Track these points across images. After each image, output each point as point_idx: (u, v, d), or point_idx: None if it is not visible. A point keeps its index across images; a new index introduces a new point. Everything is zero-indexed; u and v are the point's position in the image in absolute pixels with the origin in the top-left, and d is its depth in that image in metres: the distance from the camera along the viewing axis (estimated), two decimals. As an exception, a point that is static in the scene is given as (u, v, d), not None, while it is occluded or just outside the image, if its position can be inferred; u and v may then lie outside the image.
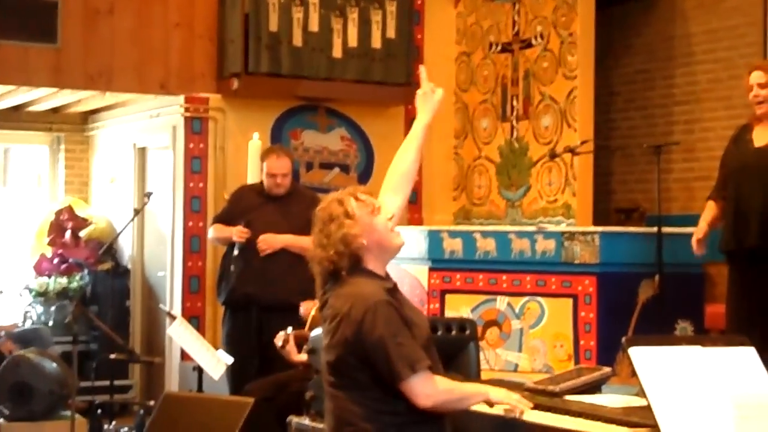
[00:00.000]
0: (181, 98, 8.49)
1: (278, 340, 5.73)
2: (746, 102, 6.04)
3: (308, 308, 6.00)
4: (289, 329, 5.71)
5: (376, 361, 3.71)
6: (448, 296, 7.18)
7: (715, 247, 6.08)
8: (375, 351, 3.70)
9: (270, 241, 6.66)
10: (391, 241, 3.94)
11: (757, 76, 5.82)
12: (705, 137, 8.44)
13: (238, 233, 6.69)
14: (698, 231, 6.05)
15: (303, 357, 5.51)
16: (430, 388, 3.70)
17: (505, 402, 3.81)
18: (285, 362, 5.91)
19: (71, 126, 10.28)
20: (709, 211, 6.07)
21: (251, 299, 6.62)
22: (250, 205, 6.83)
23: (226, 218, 6.95)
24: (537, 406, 4.00)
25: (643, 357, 3.47)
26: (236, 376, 6.46)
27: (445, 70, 9.46)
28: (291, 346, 5.67)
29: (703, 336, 6.15)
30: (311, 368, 5.07)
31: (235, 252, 6.75)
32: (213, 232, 7.01)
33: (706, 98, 8.63)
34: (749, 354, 3.64)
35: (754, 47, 8.15)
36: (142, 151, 9.41)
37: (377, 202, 4.01)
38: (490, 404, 3.86)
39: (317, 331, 5.03)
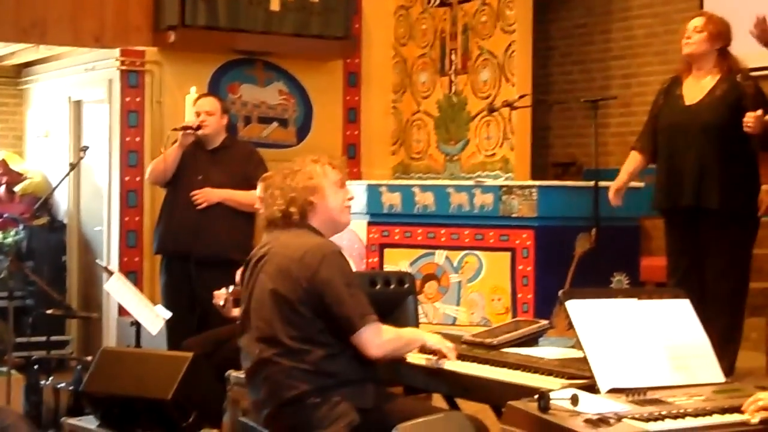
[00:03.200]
0: (116, 51, 8.38)
1: (218, 299, 5.70)
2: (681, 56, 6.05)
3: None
4: (230, 288, 5.69)
5: (329, 308, 3.81)
6: (386, 250, 7.19)
7: (649, 202, 6.13)
8: (330, 298, 3.81)
9: (207, 195, 6.61)
10: (341, 216, 4.10)
11: (695, 21, 5.83)
12: (642, 92, 8.50)
13: (186, 123, 6.63)
14: (617, 181, 6.08)
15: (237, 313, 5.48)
16: (380, 339, 3.86)
17: (437, 347, 4.02)
18: (221, 317, 5.90)
19: (4, 79, 10.12)
20: (632, 162, 6.10)
21: (186, 252, 6.58)
22: (186, 155, 6.75)
23: None
24: (475, 359, 4.04)
25: (579, 310, 3.50)
26: (173, 330, 6.43)
27: (383, 24, 9.43)
28: (228, 304, 5.65)
29: (638, 289, 6.21)
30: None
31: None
32: (152, 165, 6.90)
33: (642, 53, 8.68)
34: (683, 306, 3.69)
35: (690, 2, 8.20)
36: (77, 105, 9.30)
37: (345, 177, 4.14)
38: (425, 350, 4.05)
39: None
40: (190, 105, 6.88)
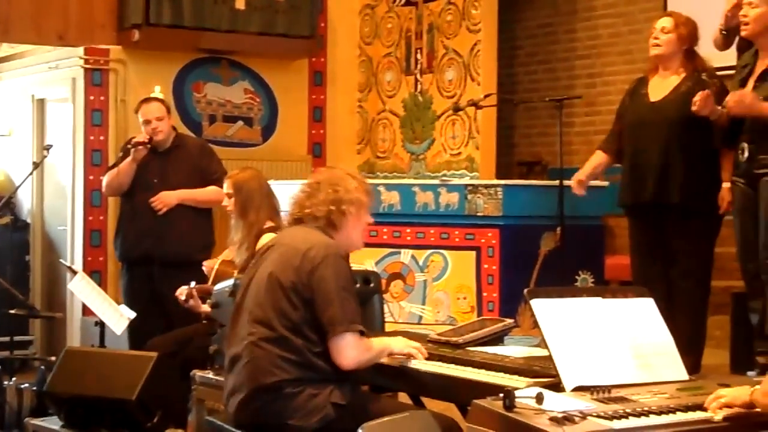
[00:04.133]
0: (80, 50, 8.34)
1: (181, 294, 5.69)
2: (646, 56, 6.08)
3: (211, 265, 5.96)
4: (192, 284, 5.67)
5: (317, 305, 3.84)
6: (352, 249, 7.17)
7: (614, 200, 6.15)
8: (321, 296, 3.84)
9: (165, 200, 6.56)
10: (360, 239, 4.17)
11: (663, 21, 5.86)
12: (606, 91, 8.54)
13: (138, 138, 6.57)
14: (580, 172, 6.10)
15: (207, 308, 5.46)
16: (356, 351, 3.87)
17: (405, 352, 4.04)
18: (185, 318, 5.88)
19: (-33, 77, 10.05)
20: (596, 158, 6.14)
21: (148, 257, 6.54)
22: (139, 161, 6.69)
23: None
24: (440, 358, 4.04)
25: (544, 308, 3.51)
26: (135, 331, 6.39)
27: (349, 22, 9.43)
28: (196, 299, 5.63)
29: (602, 287, 6.23)
30: (215, 322, 5.05)
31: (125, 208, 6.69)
32: (107, 177, 6.84)
33: (607, 52, 8.72)
34: (647, 304, 3.71)
35: (653, 2, 8.24)
36: (41, 103, 9.24)
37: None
38: (393, 355, 4.05)
39: (221, 285, 5.00)
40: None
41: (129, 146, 6.58)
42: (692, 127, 5.64)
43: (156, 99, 6.82)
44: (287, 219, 4.18)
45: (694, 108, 5.48)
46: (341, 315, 3.83)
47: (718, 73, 5.92)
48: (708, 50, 5.95)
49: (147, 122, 6.62)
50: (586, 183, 6.12)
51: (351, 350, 3.86)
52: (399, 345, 4.06)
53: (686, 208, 5.68)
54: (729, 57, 5.98)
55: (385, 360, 4.08)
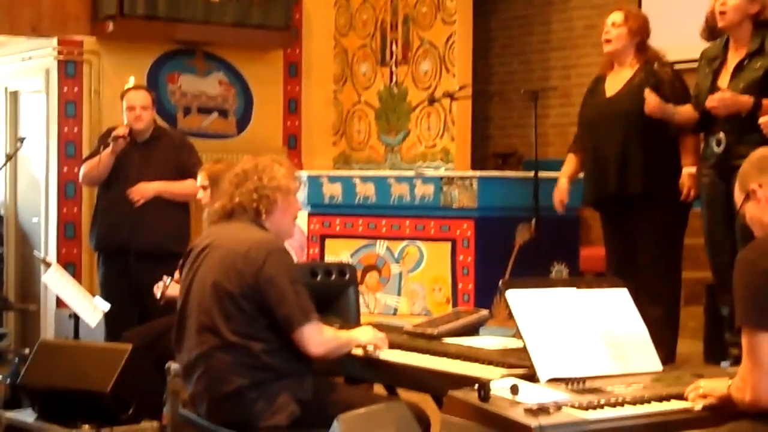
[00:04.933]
0: (53, 41, 8.29)
1: (157, 291, 5.67)
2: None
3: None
4: (168, 280, 5.66)
5: (271, 305, 3.81)
6: (327, 241, 7.18)
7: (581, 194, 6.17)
8: (274, 296, 3.80)
9: (142, 191, 6.55)
10: (292, 225, 4.13)
11: (614, 16, 5.90)
12: (581, 83, 8.52)
13: (117, 132, 6.54)
14: (560, 191, 6.10)
15: None
16: (321, 337, 3.87)
17: (372, 342, 4.07)
18: (162, 309, 5.86)
19: (-61, 68, 9.97)
20: (569, 165, 6.16)
21: (125, 248, 6.52)
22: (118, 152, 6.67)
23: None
24: (416, 349, 4.05)
25: (519, 299, 3.52)
26: (112, 323, 6.37)
27: (324, 14, 9.41)
28: (173, 287, 5.61)
29: (577, 278, 6.27)
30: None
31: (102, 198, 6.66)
32: (84, 168, 6.81)
33: (582, 44, 8.73)
34: (621, 295, 3.73)
35: (628, -6, 8.26)
36: (14, 95, 9.18)
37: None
38: (361, 346, 4.08)
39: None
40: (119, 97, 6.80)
41: (109, 140, 6.55)
42: (648, 118, 5.67)
43: (144, 88, 6.83)
44: (217, 211, 4.08)
45: (646, 109, 5.54)
46: (297, 309, 3.81)
47: (677, 66, 5.95)
48: (670, 42, 5.97)
49: (131, 108, 6.60)
50: (568, 196, 6.11)
51: (316, 336, 3.85)
52: (365, 336, 4.08)
53: (649, 197, 5.72)
54: (685, 50, 6.02)
55: (357, 351, 4.09)
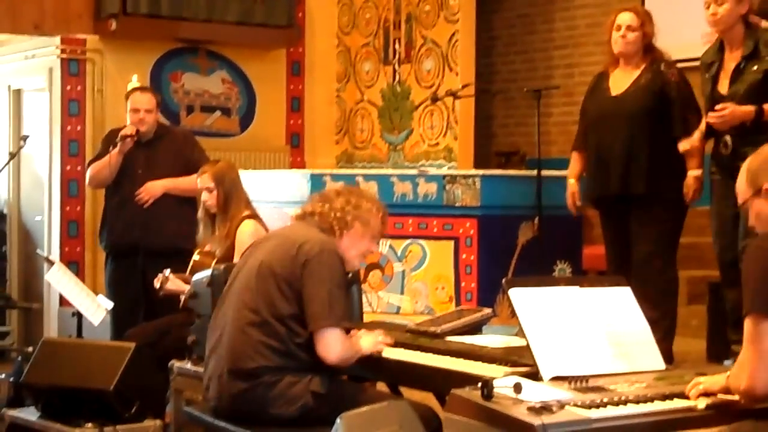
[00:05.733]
0: (57, 39, 8.30)
1: (157, 283, 5.67)
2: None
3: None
4: (167, 271, 5.66)
5: (306, 298, 3.87)
6: (330, 239, 7.17)
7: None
8: (310, 290, 3.87)
9: (151, 190, 6.55)
10: (354, 259, 4.16)
11: (627, 18, 5.86)
12: (584, 81, 8.50)
13: (125, 131, 6.54)
14: (572, 193, 6.08)
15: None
16: (339, 347, 3.91)
17: (375, 349, 4.08)
18: (170, 308, 5.86)
19: (-58, 67, 9.98)
20: (575, 164, 6.15)
21: (135, 247, 6.52)
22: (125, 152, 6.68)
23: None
24: (419, 347, 4.05)
25: (522, 298, 3.52)
26: (120, 322, 6.38)
27: (327, 12, 9.41)
28: (174, 281, 5.62)
29: (580, 277, 6.25)
30: (193, 313, 5.04)
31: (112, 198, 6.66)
32: (91, 171, 6.81)
33: (585, 42, 8.73)
34: (624, 294, 3.73)
35: (631, -8, 8.25)
36: (17, 93, 9.19)
37: (382, 236, 4.28)
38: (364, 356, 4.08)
39: (199, 276, 4.99)
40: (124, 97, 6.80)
41: (117, 140, 6.54)
42: (654, 118, 5.68)
43: (150, 90, 6.82)
44: (296, 214, 4.20)
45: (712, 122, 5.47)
46: (329, 310, 3.86)
47: (679, 65, 5.95)
48: (673, 42, 5.97)
49: (135, 111, 6.59)
50: (579, 195, 6.10)
51: (336, 345, 3.89)
52: (368, 345, 4.09)
53: (652, 198, 5.72)
54: (688, 48, 6.02)
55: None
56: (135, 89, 6.78)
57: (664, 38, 5.97)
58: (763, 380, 3.04)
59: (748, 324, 3.08)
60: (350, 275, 4.84)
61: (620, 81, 5.88)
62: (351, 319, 4.64)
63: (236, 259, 4.94)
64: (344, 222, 4.06)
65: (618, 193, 5.79)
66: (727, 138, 5.41)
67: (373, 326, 4.46)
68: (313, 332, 3.87)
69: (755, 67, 5.35)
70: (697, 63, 5.77)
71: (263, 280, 3.93)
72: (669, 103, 5.68)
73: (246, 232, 5.53)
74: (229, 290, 4.09)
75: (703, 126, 5.57)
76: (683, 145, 5.63)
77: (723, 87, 5.45)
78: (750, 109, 5.27)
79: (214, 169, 5.67)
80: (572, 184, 6.09)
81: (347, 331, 4.00)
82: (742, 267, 3.21)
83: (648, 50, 5.86)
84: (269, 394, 3.84)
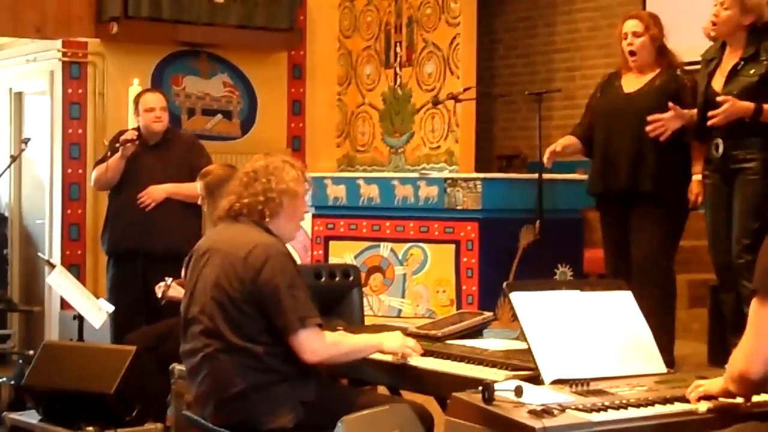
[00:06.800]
0: (58, 42, 8.30)
1: (159, 291, 5.67)
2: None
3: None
4: (169, 281, 5.66)
5: (269, 311, 3.79)
6: (332, 243, 7.18)
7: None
8: (270, 300, 3.78)
9: (153, 194, 6.55)
10: (293, 231, 4.09)
11: (632, 25, 5.88)
12: (585, 84, 8.54)
13: (126, 136, 6.54)
14: (553, 145, 6.09)
15: None
16: (317, 344, 3.81)
17: (398, 351, 3.93)
18: (171, 312, 5.85)
19: (-56, 70, 9.99)
20: (568, 138, 6.15)
21: (136, 250, 6.52)
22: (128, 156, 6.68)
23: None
24: (420, 351, 4.04)
25: (523, 301, 3.52)
26: (121, 326, 6.37)
27: (328, 16, 9.42)
28: (175, 288, 5.61)
29: (581, 280, 6.25)
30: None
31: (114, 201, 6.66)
32: (96, 172, 6.82)
33: (586, 46, 8.74)
34: (625, 297, 3.72)
35: (632, -5, 8.26)
36: (18, 96, 9.20)
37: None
38: (384, 352, 3.98)
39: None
40: (133, 102, 6.82)
41: (117, 144, 6.55)
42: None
43: (158, 90, 6.86)
44: (224, 210, 4.03)
45: (658, 134, 5.53)
46: (293, 314, 3.77)
47: (688, 68, 5.96)
48: (679, 44, 5.97)
49: (151, 110, 6.59)
50: (555, 157, 6.09)
51: (311, 343, 3.80)
52: (391, 343, 3.95)
53: (657, 198, 5.73)
54: (693, 51, 6.01)
55: (384, 358, 4.01)
56: (144, 91, 6.81)
57: (672, 40, 5.96)
58: (759, 363, 3.00)
59: (753, 304, 3.02)
60: (351, 278, 4.85)
61: (633, 81, 5.90)
62: (344, 314, 4.62)
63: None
64: (272, 203, 3.93)
65: (625, 189, 5.79)
66: (719, 141, 5.43)
67: (374, 329, 4.46)
68: (289, 342, 3.80)
69: (752, 71, 5.36)
70: (698, 66, 5.77)
71: (221, 305, 3.82)
72: (682, 108, 5.67)
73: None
74: (188, 311, 3.96)
75: (694, 114, 5.56)
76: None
77: (718, 84, 5.46)
78: (749, 105, 5.27)
79: (207, 179, 5.63)
80: (559, 142, 6.09)
81: (320, 326, 3.86)
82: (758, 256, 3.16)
83: (662, 54, 5.86)
84: (258, 412, 3.78)
